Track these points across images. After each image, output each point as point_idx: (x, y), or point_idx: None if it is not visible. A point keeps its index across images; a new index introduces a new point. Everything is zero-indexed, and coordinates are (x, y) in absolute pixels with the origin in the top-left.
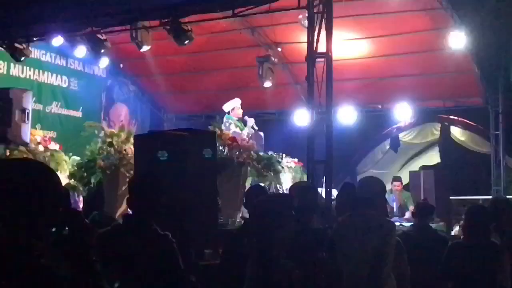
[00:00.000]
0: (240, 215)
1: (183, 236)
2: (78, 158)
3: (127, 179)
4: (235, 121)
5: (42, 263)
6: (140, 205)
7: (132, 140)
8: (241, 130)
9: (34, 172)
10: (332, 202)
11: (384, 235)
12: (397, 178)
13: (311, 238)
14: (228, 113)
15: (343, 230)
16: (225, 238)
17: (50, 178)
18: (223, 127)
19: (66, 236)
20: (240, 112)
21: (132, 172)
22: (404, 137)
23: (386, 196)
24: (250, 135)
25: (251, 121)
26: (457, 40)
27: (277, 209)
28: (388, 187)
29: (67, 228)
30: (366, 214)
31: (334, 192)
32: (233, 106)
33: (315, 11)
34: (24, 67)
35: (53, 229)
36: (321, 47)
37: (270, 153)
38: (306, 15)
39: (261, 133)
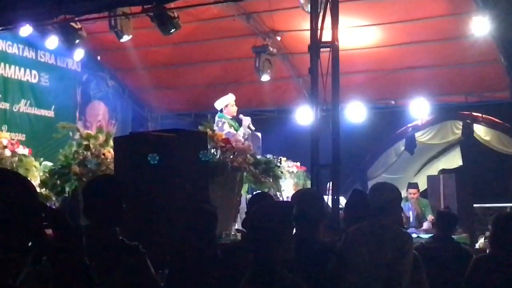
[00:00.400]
0: (235, 227)
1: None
2: (50, 163)
3: None
4: (228, 120)
5: None
6: (97, 212)
7: (111, 142)
8: (236, 130)
9: (7, 183)
10: (340, 212)
11: (399, 247)
12: (413, 185)
13: (317, 252)
14: (221, 111)
15: (353, 243)
16: (220, 253)
17: (27, 188)
18: (215, 127)
19: (51, 241)
20: (234, 109)
21: None
22: (421, 137)
23: (402, 204)
24: (246, 136)
25: (247, 120)
26: (481, 26)
27: (275, 218)
28: (403, 194)
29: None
30: (378, 225)
31: (342, 200)
32: (226, 103)
33: None
34: None
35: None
36: (326, 35)
37: (268, 156)
38: None
39: (259, 134)
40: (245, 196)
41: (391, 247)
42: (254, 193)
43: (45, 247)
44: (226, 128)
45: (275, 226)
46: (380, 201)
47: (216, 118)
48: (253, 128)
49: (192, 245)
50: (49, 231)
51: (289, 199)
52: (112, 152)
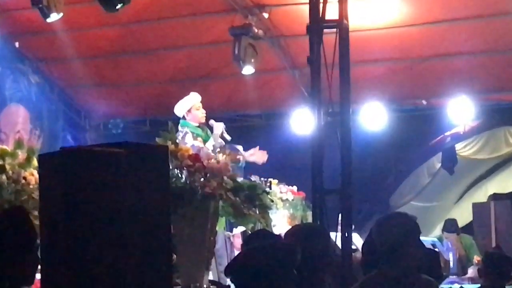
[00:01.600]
0: (209, 277)
1: None
2: None
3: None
4: (193, 128)
5: None
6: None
7: (35, 162)
8: (205, 141)
9: None
10: (353, 254)
11: None
12: (450, 226)
13: None
14: (183, 117)
15: None
16: None
17: None
18: (178, 139)
19: None
20: (201, 114)
21: (36, 212)
22: (463, 149)
23: (438, 244)
24: (218, 149)
25: (219, 127)
26: None
27: (272, 264)
28: (438, 231)
29: None
30: (389, 274)
31: (356, 239)
32: (188, 106)
33: None
34: None
35: None
36: (332, 11)
37: (254, 178)
38: None
39: (240, 147)
40: (222, 234)
41: None
42: (231, 236)
43: None
44: (189, 140)
45: (272, 274)
46: (388, 241)
47: (179, 128)
48: (228, 137)
49: None
50: None
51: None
52: (36, 175)
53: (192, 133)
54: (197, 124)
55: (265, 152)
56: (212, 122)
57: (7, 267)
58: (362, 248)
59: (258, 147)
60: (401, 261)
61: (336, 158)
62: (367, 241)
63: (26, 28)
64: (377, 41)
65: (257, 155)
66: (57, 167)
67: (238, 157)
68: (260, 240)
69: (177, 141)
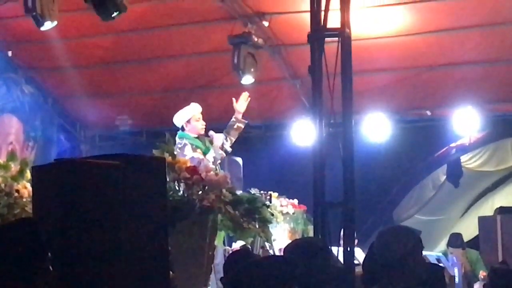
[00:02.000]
0: None
1: None
2: None
3: None
4: (192, 140)
5: None
6: (10, 269)
7: (28, 174)
8: (205, 153)
9: None
10: (356, 269)
11: None
12: (456, 241)
13: None
14: (182, 129)
15: None
16: None
17: None
18: (176, 151)
19: None
20: (200, 125)
21: None
22: (469, 162)
23: (443, 259)
24: (219, 161)
25: (219, 139)
26: None
27: (271, 281)
28: (444, 246)
29: None
30: None
31: (359, 253)
32: (188, 117)
33: None
34: None
35: None
36: (333, 19)
37: (253, 191)
38: None
39: (239, 160)
40: (221, 248)
41: None
42: (230, 251)
43: None
44: (188, 152)
45: None
46: (390, 256)
47: (177, 139)
48: (229, 149)
49: None
50: None
51: (283, 253)
52: (30, 188)
53: (191, 144)
54: (196, 136)
55: (244, 93)
56: (211, 133)
57: (18, 279)
58: (362, 263)
59: (234, 100)
60: (403, 277)
61: (338, 171)
62: (368, 255)
63: (19, 37)
64: (380, 50)
65: (241, 101)
66: (51, 179)
67: (235, 121)
68: (240, 259)
69: (176, 153)
